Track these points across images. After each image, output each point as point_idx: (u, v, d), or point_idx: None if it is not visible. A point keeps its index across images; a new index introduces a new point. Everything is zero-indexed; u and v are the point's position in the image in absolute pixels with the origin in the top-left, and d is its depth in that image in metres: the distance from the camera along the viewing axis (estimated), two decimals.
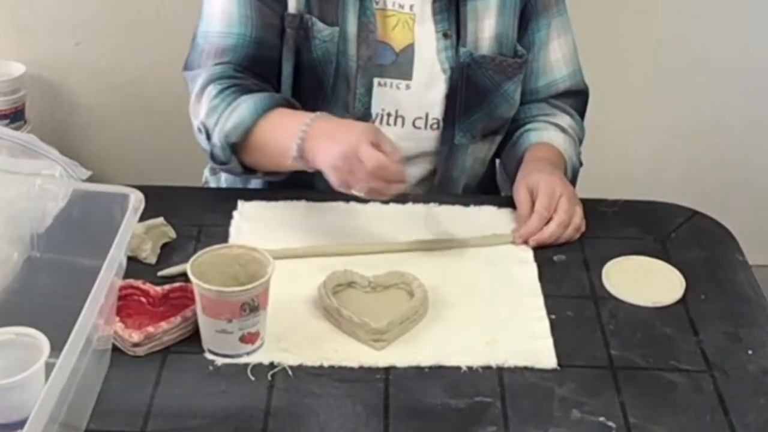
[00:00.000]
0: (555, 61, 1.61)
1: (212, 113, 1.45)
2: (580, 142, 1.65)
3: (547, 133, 1.58)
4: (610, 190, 1.58)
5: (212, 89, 1.46)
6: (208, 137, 1.46)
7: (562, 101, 1.63)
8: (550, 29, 1.59)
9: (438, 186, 1.61)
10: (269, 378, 1.16)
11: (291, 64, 1.53)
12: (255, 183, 1.61)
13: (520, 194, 1.44)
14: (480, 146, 1.62)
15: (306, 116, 1.37)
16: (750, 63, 2.56)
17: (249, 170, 1.48)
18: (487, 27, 1.54)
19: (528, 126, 1.61)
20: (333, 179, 1.31)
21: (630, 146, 2.64)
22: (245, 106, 1.42)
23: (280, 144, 1.38)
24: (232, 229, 1.42)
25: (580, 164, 1.63)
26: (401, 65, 1.53)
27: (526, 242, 1.41)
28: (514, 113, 1.62)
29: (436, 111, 1.56)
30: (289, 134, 1.35)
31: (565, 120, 1.61)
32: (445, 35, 1.53)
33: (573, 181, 1.57)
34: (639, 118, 2.60)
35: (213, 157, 1.47)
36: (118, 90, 2.52)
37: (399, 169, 1.28)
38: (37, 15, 2.43)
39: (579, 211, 1.43)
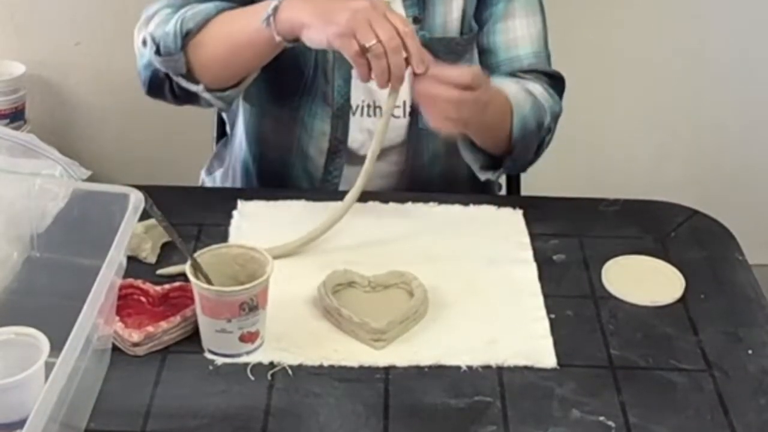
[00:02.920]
0: (520, 38, 1.56)
1: (164, 24, 1.40)
2: (554, 116, 1.55)
3: (500, 81, 1.51)
4: (610, 190, 1.58)
5: (168, 11, 1.42)
6: (155, 45, 1.40)
7: (534, 76, 1.57)
8: (512, 5, 1.55)
9: (408, 174, 1.58)
10: (269, 378, 1.16)
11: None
12: (249, 179, 1.61)
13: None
14: None
15: None
16: (750, 63, 2.56)
17: (191, 77, 1.41)
18: (455, 8, 1.53)
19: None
20: (333, 30, 1.24)
21: (630, 146, 2.64)
22: (209, 4, 1.39)
23: (244, 22, 1.33)
24: (232, 229, 1.42)
25: (545, 129, 1.53)
26: None
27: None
28: None
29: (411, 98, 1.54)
30: (260, 8, 1.31)
31: (534, 87, 1.54)
32: (416, 20, 1.52)
33: (523, 139, 1.47)
34: (639, 118, 2.61)
35: (158, 52, 1.40)
36: (118, 90, 2.52)
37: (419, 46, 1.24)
38: (37, 15, 2.43)
39: (466, 95, 1.30)
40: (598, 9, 2.43)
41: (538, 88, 1.55)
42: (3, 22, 2.43)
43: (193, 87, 1.43)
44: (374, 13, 1.24)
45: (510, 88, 1.49)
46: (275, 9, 1.30)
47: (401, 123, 1.56)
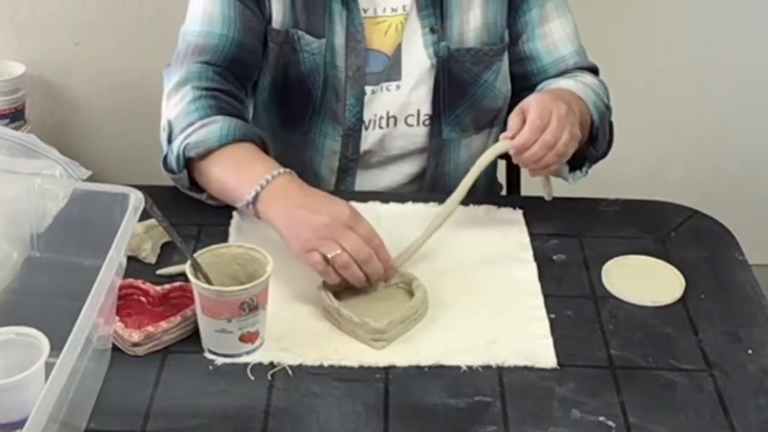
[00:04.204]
0: (560, 39, 1.57)
1: (183, 118, 1.40)
2: (608, 96, 1.58)
3: (556, 82, 1.53)
4: (610, 190, 1.58)
5: (189, 92, 1.42)
6: (170, 139, 1.42)
7: (580, 71, 1.59)
8: (545, 9, 1.56)
9: (430, 182, 1.60)
10: (269, 378, 1.16)
11: (269, 77, 1.53)
12: None
13: (512, 114, 1.38)
14: (474, 139, 1.61)
15: (271, 167, 1.33)
16: (751, 63, 2.56)
17: (196, 187, 1.42)
18: (472, 18, 1.53)
19: (539, 87, 1.57)
20: (299, 246, 1.25)
21: (630, 146, 2.62)
22: (217, 126, 1.37)
23: (234, 183, 1.34)
24: (232, 229, 1.42)
25: (609, 108, 1.56)
26: (391, 68, 1.53)
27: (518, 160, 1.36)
28: (502, 104, 1.60)
29: (427, 107, 1.55)
30: (248, 179, 1.31)
31: (585, 78, 1.56)
32: (432, 30, 1.53)
33: (602, 123, 1.50)
34: (639, 118, 2.60)
35: (165, 162, 1.42)
36: (118, 90, 2.52)
37: (387, 255, 1.26)
38: (37, 15, 2.43)
39: (566, 136, 1.34)
40: (599, 10, 2.43)
41: (588, 78, 1.57)
42: (3, 22, 2.43)
43: (196, 195, 1.43)
44: (338, 229, 1.23)
45: (568, 83, 1.51)
46: (255, 197, 1.30)
47: (416, 131, 1.57)
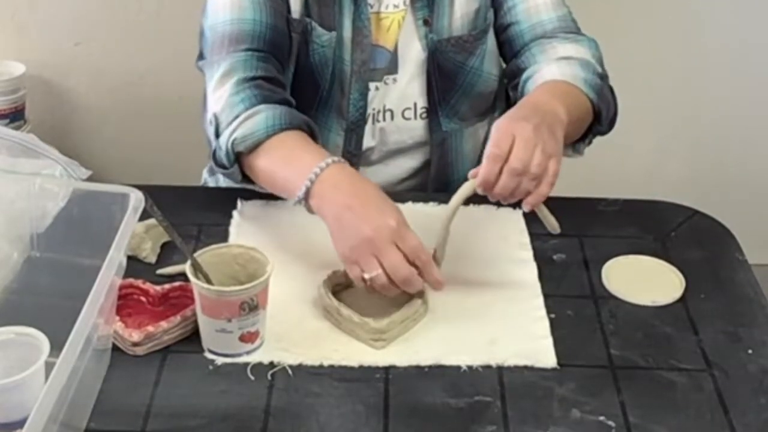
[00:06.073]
0: (542, 4, 1.54)
1: (228, 111, 1.38)
2: (598, 59, 1.52)
3: (540, 74, 1.47)
4: (610, 190, 1.58)
5: (233, 83, 1.40)
6: (217, 134, 1.40)
7: (560, 37, 1.53)
8: None
9: (435, 175, 1.60)
10: (269, 377, 1.16)
11: (293, 67, 1.53)
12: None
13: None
14: (479, 127, 1.62)
15: (319, 157, 1.29)
16: (751, 62, 2.56)
17: (248, 179, 1.41)
18: (457, 9, 1.53)
19: (524, 75, 1.52)
20: (341, 251, 1.23)
21: (630, 145, 2.64)
22: (262, 117, 1.36)
23: (285, 177, 1.32)
24: (232, 229, 1.42)
25: (603, 76, 1.49)
26: (391, 63, 1.54)
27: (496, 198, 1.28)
28: (497, 86, 1.60)
29: (423, 100, 1.56)
30: (299, 172, 1.29)
31: (564, 49, 1.51)
32: (425, 22, 1.53)
33: (601, 97, 1.45)
34: (639, 117, 2.60)
35: (215, 158, 1.41)
36: (118, 90, 2.52)
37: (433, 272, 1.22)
38: (37, 15, 2.43)
39: (537, 157, 1.22)
40: (597, 7, 2.43)
41: (568, 48, 1.51)
42: (3, 22, 2.43)
43: (249, 186, 1.43)
44: (380, 245, 1.19)
45: (551, 71, 1.46)
46: (307, 194, 1.27)
47: (413, 125, 1.57)
